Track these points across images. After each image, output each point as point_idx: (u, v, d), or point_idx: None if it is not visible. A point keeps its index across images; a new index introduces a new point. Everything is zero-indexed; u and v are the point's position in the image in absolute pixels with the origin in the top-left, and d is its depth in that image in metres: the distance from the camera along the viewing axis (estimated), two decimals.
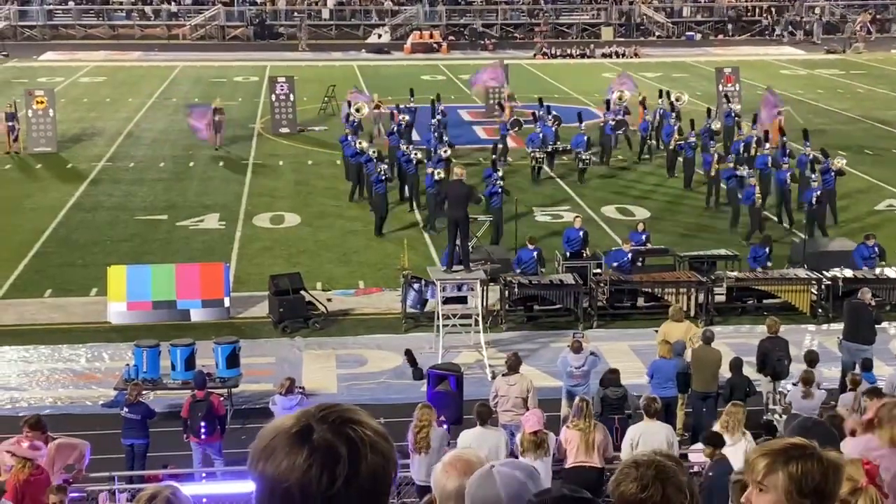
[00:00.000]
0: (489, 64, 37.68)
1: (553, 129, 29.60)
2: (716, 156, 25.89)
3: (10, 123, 31.71)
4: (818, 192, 22.93)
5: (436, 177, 23.75)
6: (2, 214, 25.74)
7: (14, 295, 20.46)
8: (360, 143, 26.39)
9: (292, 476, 2.45)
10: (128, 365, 15.73)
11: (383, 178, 24.15)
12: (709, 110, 30.33)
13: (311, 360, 17.60)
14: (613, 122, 30.87)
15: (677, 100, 31.29)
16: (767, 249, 20.17)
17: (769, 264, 20.13)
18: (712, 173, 25.65)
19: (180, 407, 14.01)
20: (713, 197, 25.80)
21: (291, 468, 2.46)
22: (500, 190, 23.11)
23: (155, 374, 15.56)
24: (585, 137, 28.45)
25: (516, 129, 30.88)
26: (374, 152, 25.53)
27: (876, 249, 19.90)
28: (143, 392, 14.43)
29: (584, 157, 28.08)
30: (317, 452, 2.46)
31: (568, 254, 20.49)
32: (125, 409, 13.71)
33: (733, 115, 30.45)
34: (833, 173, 24.12)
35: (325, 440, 2.47)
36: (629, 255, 19.86)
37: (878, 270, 19.73)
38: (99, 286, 20.08)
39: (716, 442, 11.17)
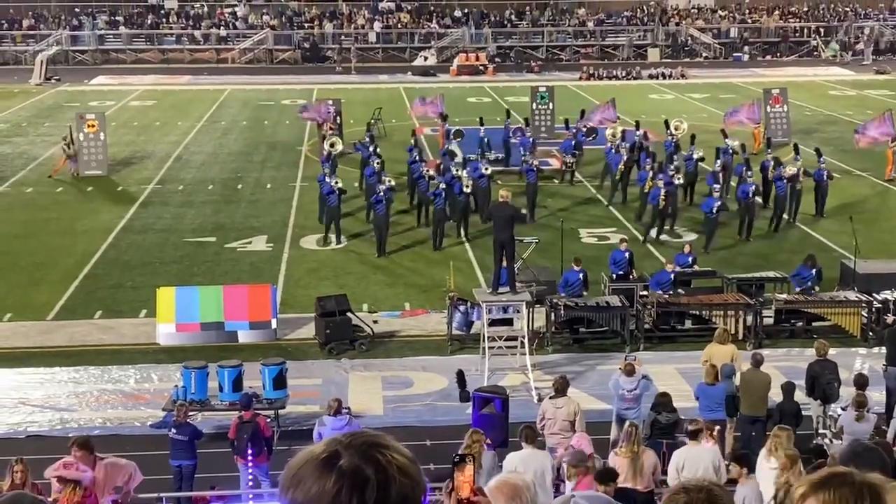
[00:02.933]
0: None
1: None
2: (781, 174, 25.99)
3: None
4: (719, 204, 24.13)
5: (464, 189, 25.14)
6: (54, 237, 26.12)
7: (65, 316, 20.72)
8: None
9: (322, 501, 2.46)
10: (176, 386, 15.85)
11: (437, 192, 24.70)
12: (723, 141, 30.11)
13: (357, 381, 17.63)
14: (585, 129, 33.19)
15: (676, 129, 31.05)
16: (815, 271, 19.94)
17: (816, 288, 19.87)
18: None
19: (228, 428, 14.08)
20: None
21: (321, 494, 2.47)
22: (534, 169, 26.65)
23: (203, 395, 15.66)
24: (572, 143, 30.82)
25: (592, 136, 33.30)
26: (426, 172, 25.96)
27: None
28: (191, 413, 14.53)
29: (567, 161, 29.78)
30: (345, 477, 2.47)
31: (614, 276, 20.42)
32: (173, 430, 13.81)
33: (731, 151, 29.50)
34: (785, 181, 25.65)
35: (353, 465, 2.48)
36: (672, 276, 19.73)
37: None
38: (148, 308, 20.28)
39: (742, 461, 11.03)
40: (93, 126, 32.68)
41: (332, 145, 29.66)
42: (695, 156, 28.33)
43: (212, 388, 15.83)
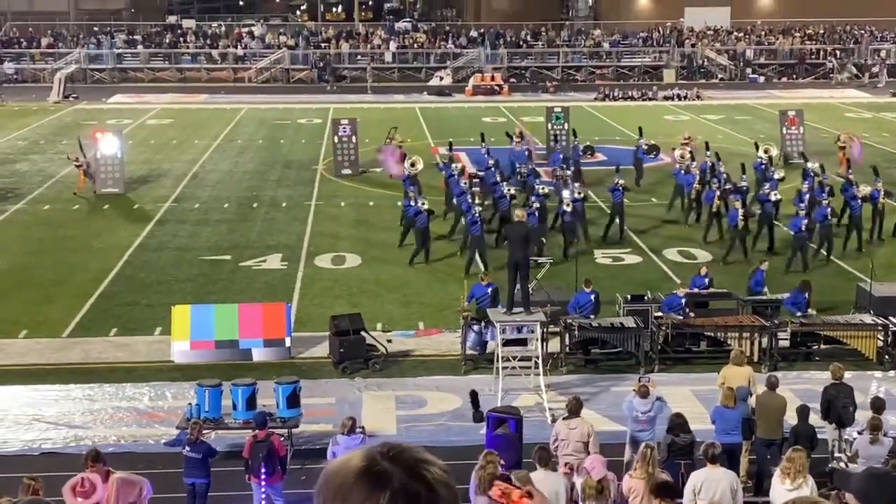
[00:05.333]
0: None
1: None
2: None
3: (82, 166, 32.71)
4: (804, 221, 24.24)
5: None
6: (70, 254, 26.24)
7: (80, 333, 20.79)
8: (423, 202, 25.37)
9: None
10: (190, 404, 15.86)
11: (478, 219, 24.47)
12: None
13: (370, 400, 17.63)
14: (646, 147, 33.11)
15: (766, 152, 31.03)
16: (807, 295, 19.84)
17: (809, 311, 19.78)
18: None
19: (241, 446, 14.09)
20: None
21: None
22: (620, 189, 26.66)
23: (216, 413, 15.67)
24: (561, 156, 31.49)
25: (654, 153, 34.00)
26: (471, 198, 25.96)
27: None
28: (205, 431, 14.55)
29: (558, 173, 29.62)
30: (398, 495, 2.52)
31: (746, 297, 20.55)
32: (186, 448, 13.81)
33: (812, 173, 29.58)
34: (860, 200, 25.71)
35: (405, 483, 2.53)
36: (683, 300, 19.65)
37: None
38: (163, 325, 20.33)
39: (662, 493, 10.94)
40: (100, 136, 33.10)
41: (412, 164, 29.34)
42: (775, 176, 28.19)
43: (226, 406, 15.84)
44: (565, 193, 25.79)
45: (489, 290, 19.50)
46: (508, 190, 26.71)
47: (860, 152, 32.01)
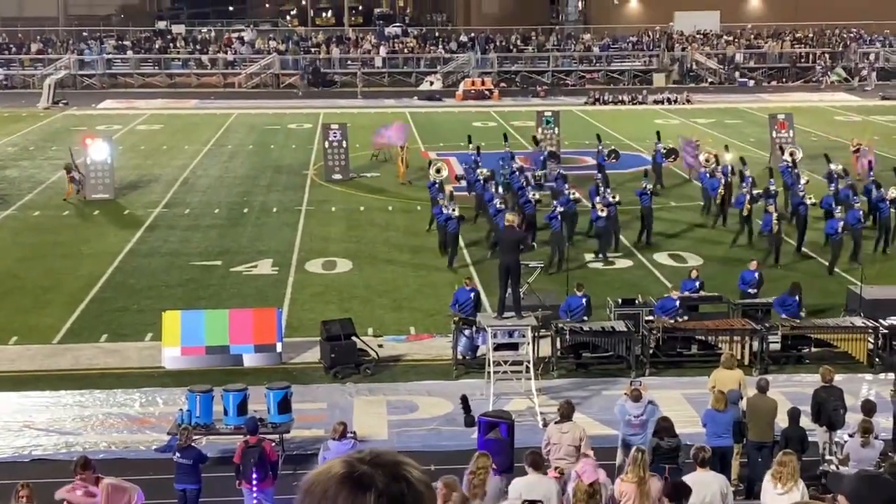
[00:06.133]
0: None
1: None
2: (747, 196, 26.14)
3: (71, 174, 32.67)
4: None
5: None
6: (61, 260, 26.18)
7: (71, 339, 20.74)
8: (453, 208, 25.41)
9: None
10: (181, 410, 15.83)
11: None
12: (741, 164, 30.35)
13: (362, 405, 17.61)
14: (664, 151, 33.27)
15: (791, 155, 31.20)
16: (797, 298, 19.89)
17: (802, 314, 19.84)
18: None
19: (232, 452, 14.06)
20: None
21: None
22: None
23: (207, 419, 15.64)
24: (542, 158, 32.55)
25: (673, 157, 33.91)
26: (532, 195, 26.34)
27: None
28: (195, 437, 14.51)
29: (537, 173, 30.02)
30: (383, 497, 2.57)
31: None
32: (177, 454, 13.78)
33: (836, 175, 29.76)
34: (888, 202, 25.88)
35: (388, 484, 2.59)
36: (678, 303, 19.72)
37: None
38: (154, 331, 20.30)
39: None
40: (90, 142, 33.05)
41: (437, 171, 29.07)
42: (802, 181, 28.08)
43: (216, 411, 15.81)
44: (598, 199, 25.92)
45: (472, 294, 19.54)
46: (534, 195, 26.73)
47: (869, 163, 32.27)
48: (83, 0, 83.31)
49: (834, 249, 24.52)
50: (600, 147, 33.35)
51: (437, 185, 28.16)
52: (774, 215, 24.86)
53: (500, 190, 27.32)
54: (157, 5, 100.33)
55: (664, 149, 33.56)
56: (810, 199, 26.29)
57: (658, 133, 34.44)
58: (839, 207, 25.03)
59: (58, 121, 49.55)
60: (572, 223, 26.43)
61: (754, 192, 26.88)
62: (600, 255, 25.48)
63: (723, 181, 28.57)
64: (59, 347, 20.33)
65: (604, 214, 25.50)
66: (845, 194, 26.55)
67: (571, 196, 26.49)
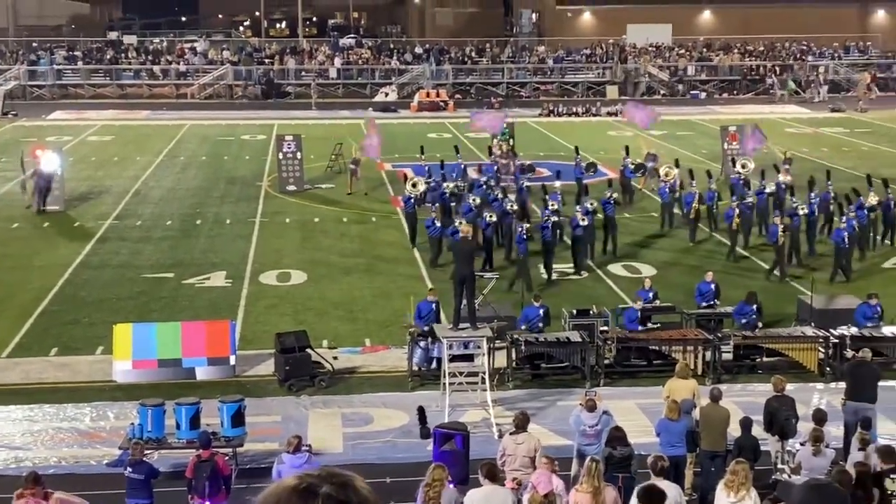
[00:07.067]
0: (495, 112, 38.87)
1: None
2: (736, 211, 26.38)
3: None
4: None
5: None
6: (10, 272, 25.81)
7: (20, 353, 20.42)
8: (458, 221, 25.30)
9: None
10: (132, 424, 15.65)
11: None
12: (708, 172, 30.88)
13: (316, 418, 17.50)
14: (633, 166, 33.26)
15: (743, 167, 31.47)
16: (755, 307, 20.09)
17: (759, 324, 20.03)
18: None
19: (185, 466, 13.92)
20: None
21: None
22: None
23: (159, 433, 15.46)
24: (495, 168, 32.46)
25: (641, 172, 34.00)
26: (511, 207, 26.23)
27: (878, 309, 19.78)
28: (147, 451, 14.35)
29: (459, 184, 29.81)
30: (330, 500, 2.69)
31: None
32: (128, 469, 13.61)
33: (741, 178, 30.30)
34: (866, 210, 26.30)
35: (337, 492, 2.71)
36: (639, 313, 19.87)
37: (885, 329, 19.62)
38: (105, 344, 20.05)
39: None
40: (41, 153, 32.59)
41: (414, 185, 28.72)
42: (767, 190, 28.47)
43: (169, 425, 15.63)
44: (578, 208, 26.00)
45: (434, 305, 19.50)
46: (511, 206, 26.74)
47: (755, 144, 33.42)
48: (33, 10, 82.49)
49: (840, 258, 24.79)
50: (578, 159, 33.37)
51: (412, 200, 28.03)
52: (781, 226, 25.02)
53: (474, 200, 27.28)
54: (108, 16, 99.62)
55: (633, 164, 33.60)
56: (803, 209, 26.20)
57: (627, 148, 34.49)
58: (844, 217, 25.20)
59: (7, 132, 48.94)
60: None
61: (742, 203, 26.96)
62: (578, 265, 25.54)
63: (697, 196, 28.42)
64: (8, 361, 20.01)
65: (584, 223, 25.52)
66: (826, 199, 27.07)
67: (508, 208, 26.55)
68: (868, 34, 74.62)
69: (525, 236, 24.28)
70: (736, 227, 26.55)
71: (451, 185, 29.28)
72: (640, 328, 19.78)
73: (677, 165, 31.24)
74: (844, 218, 25.13)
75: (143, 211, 32.75)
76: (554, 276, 25.01)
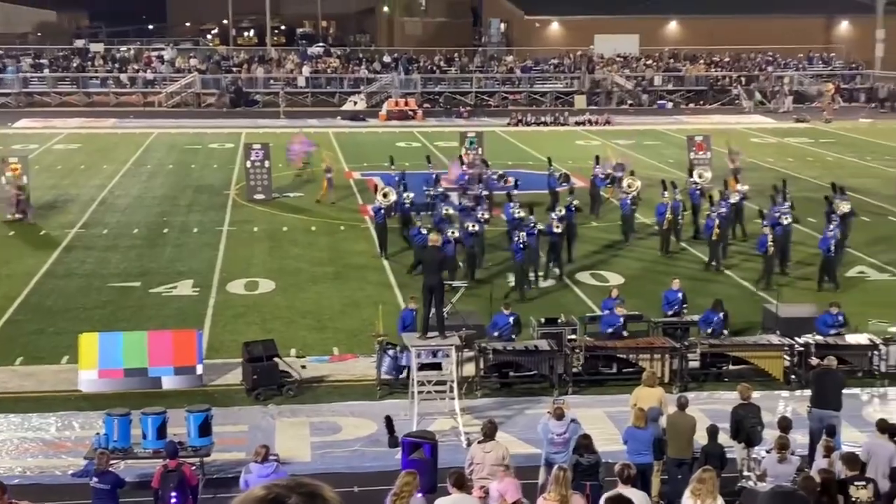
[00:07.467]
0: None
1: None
2: (717, 220, 26.57)
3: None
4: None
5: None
6: None
7: None
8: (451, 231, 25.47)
9: None
10: (98, 434, 15.54)
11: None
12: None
13: (284, 427, 17.44)
14: (603, 175, 33.27)
15: (700, 177, 31.60)
16: (722, 315, 20.24)
17: (725, 332, 20.18)
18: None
19: (151, 477, 13.83)
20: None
21: None
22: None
23: (125, 443, 15.36)
24: (466, 177, 32.59)
25: (611, 182, 33.83)
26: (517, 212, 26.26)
27: (840, 318, 19.97)
28: (113, 461, 14.24)
29: (431, 192, 30.34)
30: None
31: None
32: (94, 479, 13.51)
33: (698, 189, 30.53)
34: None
35: (304, 501, 2.71)
36: (622, 320, 19.97)
37: (849, 337, 19.81)
38: (70, 354, 19.89)
39: None
40: (16, 169, 32.15)
41: (384, 195, 28.35)
42: (731, 199, 28.44)
43: (135, 435, 15.53)
44: (553, 214, 25.96)
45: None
46: (483, 215, 26.85)
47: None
48: None
49: (826, 266, 25.09)
50: (551, 170, 33.40)
51: (382, 211, 27.96)
52: (770, 236, 25.16)
53: (447, 210, 27.30)
54: (75, 23, 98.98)
55: (603, 174, 33.64)
56: (787, 219, 26.31)
57: (597, 157, 34.60)
58: (831, 225, 25.33)
59: None
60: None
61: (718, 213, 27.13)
62: (551, 270, 25.73)
63: (670, 207, 28.45)
64: None
65: (558, 230, 25.57)
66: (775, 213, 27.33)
67: (482, 217, 26.56)
68: (832, 45, 75.41)
69: (521, 245, 24.33)
70: (716, 237, 26.66)
71: (412, 195, 29.21)
72: (624, 334, 19.88)
73: (631, 173, 31.47)
74: (831, 226, 25.33)
75: (109, 220, 32.54)
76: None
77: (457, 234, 25.23)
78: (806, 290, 24.61)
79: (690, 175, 31.86)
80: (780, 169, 40.79)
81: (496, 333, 19.54)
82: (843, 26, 77.88)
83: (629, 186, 30.25)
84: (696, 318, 20.76)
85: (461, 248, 25.29)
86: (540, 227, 25.33)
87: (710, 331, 20.03)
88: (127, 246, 29.28)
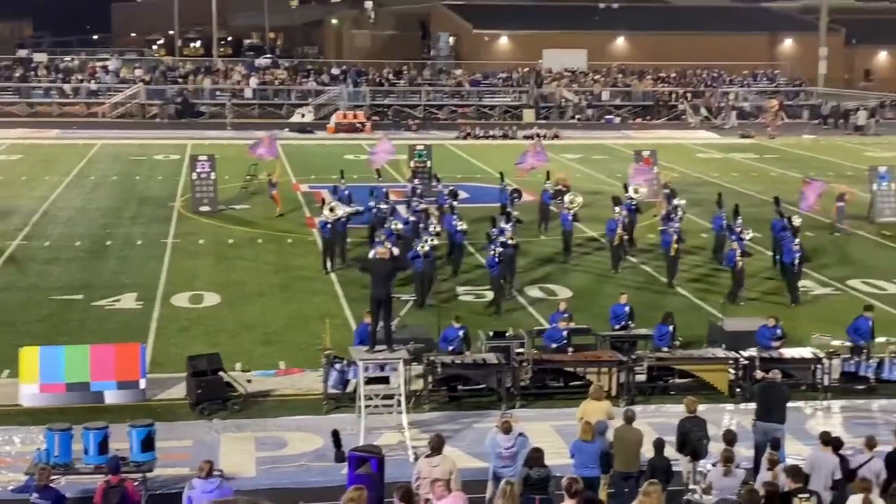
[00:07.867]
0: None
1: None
2: (675, 236, 26.69)
3: None
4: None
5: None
6: None
7: None
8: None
9: None
10: (38, 449, 15.24)
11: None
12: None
13: (228, 442, 17.23)
14: (552, 191, 33.07)
15: (636, 192, 31.51)
16: (671, 328, 20.37)
17: (677, 343, 20.33)
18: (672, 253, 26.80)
19: (92, 492, 13.58)
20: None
21: None
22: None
23: (67, 458, 15.07)
24: (418, 190, 32.57)
25: (559, 197, 33.12)
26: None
27: (778, 331, 20.14)
28: (54, 477, 13.97)
29: (382, 206, 29.50)
30: None
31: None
32: (35, 495, 13.24)
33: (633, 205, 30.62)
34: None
35: None
36: (564, 333, 19.98)
37: (786, 351, 19.99)
38: (11, 368, 19.52)
39: None
40: None
41: (331, 210, 27.81)
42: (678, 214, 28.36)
43: (76, 450, 15.24)
44: (507, 228, 25.73)
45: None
46: (462, 225, 26.90)
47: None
48: None
49: (791, 279, 25.47)
50: (503, 185, 33.23)
51: (329, 225, 27.71)
52: (738, 251, 25.25)
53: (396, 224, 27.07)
54: (18, 33, 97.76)
55: (552, 189, 33.62)
56: (748, 233, 26.37)
57: (548, 173, 34.56)
58: (797, 239, 25.49)
59: None
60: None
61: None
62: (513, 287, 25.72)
63: (622, 223, 28.38)
64: None
65: (512, 242, 25.29)
66: (718, 225, 27.52)
67: (434, 228, 26.48)
68: (776, 62, 76.58)
69: (497, 259, 24.27)
70: (675, 252, 26.75)
71: (350, 209, 28.93)
72: (569, 349, 19.91)
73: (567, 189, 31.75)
74: (797, 241, 25.53)
75: (51, 231, 32.07)
76: (470, 298, 25.07)
77: (426, 249, 24.85)
78: (774, 305, 24.67)
79: (626, 190, 31.81)
80: (725, 184, 41.24)
81: (451, 348, 19.45)
82: (787, 44, 79.15)
83: (571, 203, 30.17)
84: (647, 331, 20.86)
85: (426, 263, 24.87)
86: (515, 240, 25.34)
87: (667, 347, 20.11)
88: (69, 258, 28.87)
